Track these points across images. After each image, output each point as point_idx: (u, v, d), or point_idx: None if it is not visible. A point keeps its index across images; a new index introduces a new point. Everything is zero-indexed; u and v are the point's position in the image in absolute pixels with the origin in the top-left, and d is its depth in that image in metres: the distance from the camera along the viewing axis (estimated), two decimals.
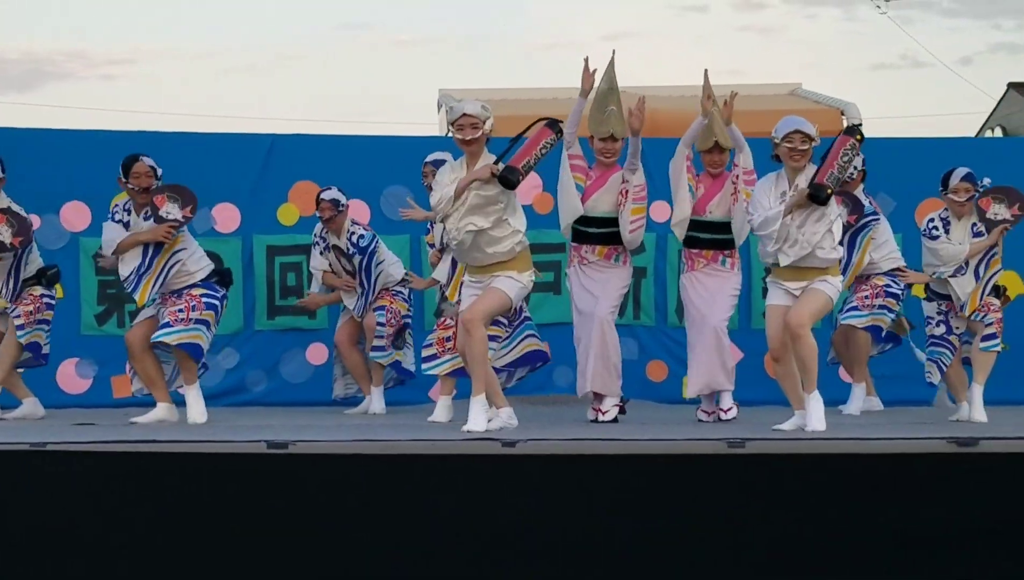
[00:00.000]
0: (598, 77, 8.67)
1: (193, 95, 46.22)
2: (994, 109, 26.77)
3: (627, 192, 8.71)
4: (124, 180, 8.68)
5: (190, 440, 7.12)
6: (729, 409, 8.87)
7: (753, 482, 6.86)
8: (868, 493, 6.87)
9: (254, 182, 10.72)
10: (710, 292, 8.85)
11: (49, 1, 45.48)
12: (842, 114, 13.11)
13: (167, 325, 8.55)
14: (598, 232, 8.78)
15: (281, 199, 10.71)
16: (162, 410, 8.66)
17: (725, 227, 8.86)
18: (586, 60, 8.60)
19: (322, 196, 9.65)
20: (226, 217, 10.51)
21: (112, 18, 48.21)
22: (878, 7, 27.93)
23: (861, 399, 9.59)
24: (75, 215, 10.04)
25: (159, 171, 8.70)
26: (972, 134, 25.21)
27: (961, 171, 8.94)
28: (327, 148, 10.12)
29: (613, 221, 8.74)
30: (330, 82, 48.29)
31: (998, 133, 25.70)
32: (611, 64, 8.89)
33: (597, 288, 8.75)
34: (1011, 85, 26.24)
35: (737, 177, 8.77)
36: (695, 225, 8.89)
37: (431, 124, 15.37)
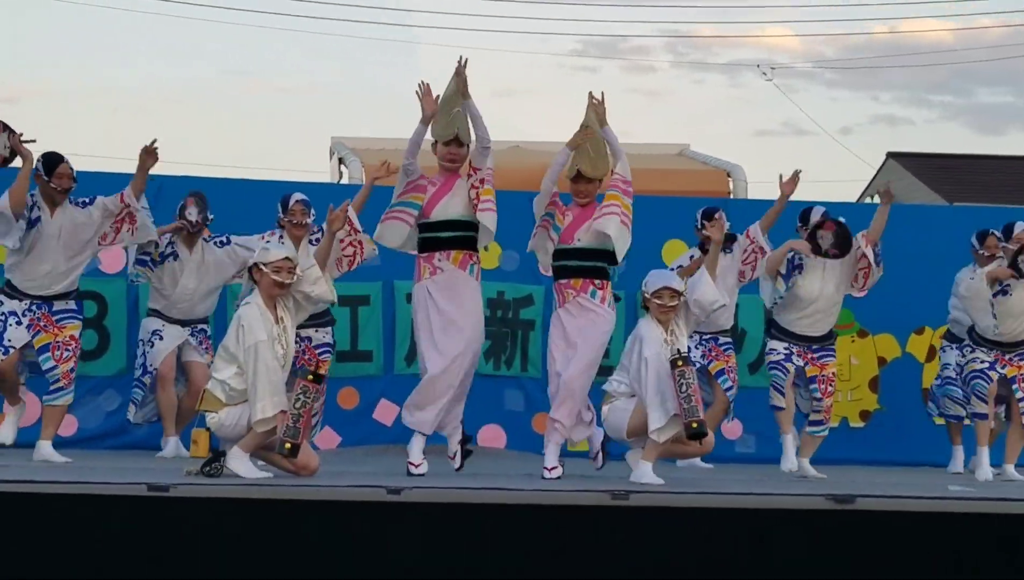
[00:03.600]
0: (441, 85, 8.28)
1: (79, 135, 45.69)
2: (874, 177, 27.24)
3: (482, 180, 8.24)
4: (46, 178, 8.70)
5: (70, 482, 7.02)
6: (554, 467, 8.07)
7: (635, 534, 6.91)
8: (747, 548, 6.96)
9: None
10: (575, 338, 8.16)
11: None
12: (728, 176, 13.29)
13: None
14: (450, 236, 8.27)
15: None
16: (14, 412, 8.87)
17: (595, 254, 8.24)
18: (424, 84, 8.18)
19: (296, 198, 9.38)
20: (111, 257, 10.35)
21: None
22: (764, 74, 28.43)
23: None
24: None
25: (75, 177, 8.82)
26: (853, 201, 25.66)
27: (820, 209, 9.59)
28: (217, 190, 10.03)
29: (465, 224, 8.29)
30: (214, 127, 48.08)
31: (878, 201, 26.18)
32: (462, 69, 8.25)
33: (453, 308, 8.20)
34: (890, 154, 26.75)
35: (616, 185, 8.20)
36: (562, 253, 8.29)
37: (322, 172, 15.34)
